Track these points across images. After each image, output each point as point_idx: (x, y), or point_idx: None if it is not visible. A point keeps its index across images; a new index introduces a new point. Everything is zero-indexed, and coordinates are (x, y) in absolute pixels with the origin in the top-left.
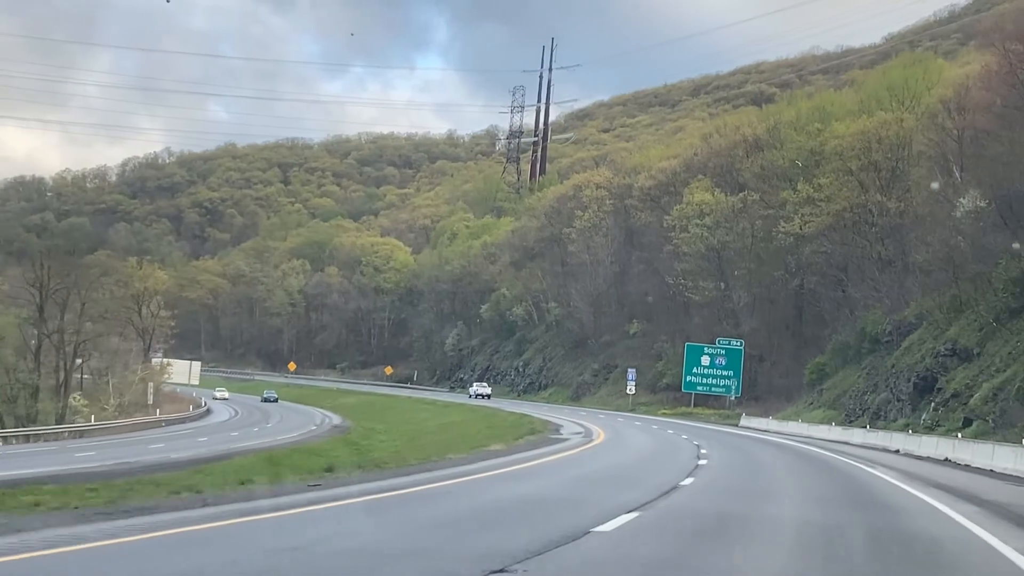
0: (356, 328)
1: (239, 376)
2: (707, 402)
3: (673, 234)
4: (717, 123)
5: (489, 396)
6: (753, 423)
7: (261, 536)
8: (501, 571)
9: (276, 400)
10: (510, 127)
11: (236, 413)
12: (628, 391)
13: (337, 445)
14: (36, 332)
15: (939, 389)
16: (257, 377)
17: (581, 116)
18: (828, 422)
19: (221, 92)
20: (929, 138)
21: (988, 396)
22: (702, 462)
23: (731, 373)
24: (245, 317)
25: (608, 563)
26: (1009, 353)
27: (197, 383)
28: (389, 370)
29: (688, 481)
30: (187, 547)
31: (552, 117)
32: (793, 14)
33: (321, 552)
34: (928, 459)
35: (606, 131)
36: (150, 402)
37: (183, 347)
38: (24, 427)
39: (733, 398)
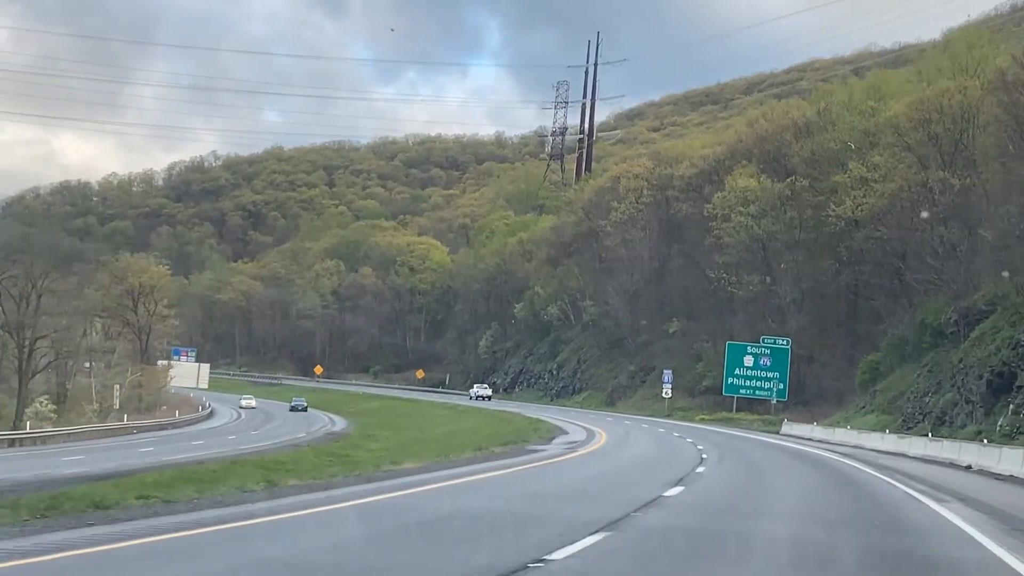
0: (391, 331)
1: (266, 381)
2: (751, 407)
3: (714, 224)
4: (764, 109)
5: (490, 398)
6: (795, 430)
7: None
8: None
9: (305, 409)
10: (553, 123)
11: (238, 416)
12: (664, 394)
13: (307, 454)
14: None
15: (1020, 387)
16: (286, 382)
17: (631, 116)
18: (882, 429)
19: (275, 96)
20: (1000, 99)
21: None
22: (672, 492)
23: (776, 375)
24: (278, 320)
25: None
26: None
27: (206, 387)
28: (421, 374)
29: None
30: None
31: (602, 117)
32: (847, 8)
33: None
34: (1012, 479)
35: (656, 130)
36: (116, 407)
37: (218, 351)
38: None
39: (775, 401)
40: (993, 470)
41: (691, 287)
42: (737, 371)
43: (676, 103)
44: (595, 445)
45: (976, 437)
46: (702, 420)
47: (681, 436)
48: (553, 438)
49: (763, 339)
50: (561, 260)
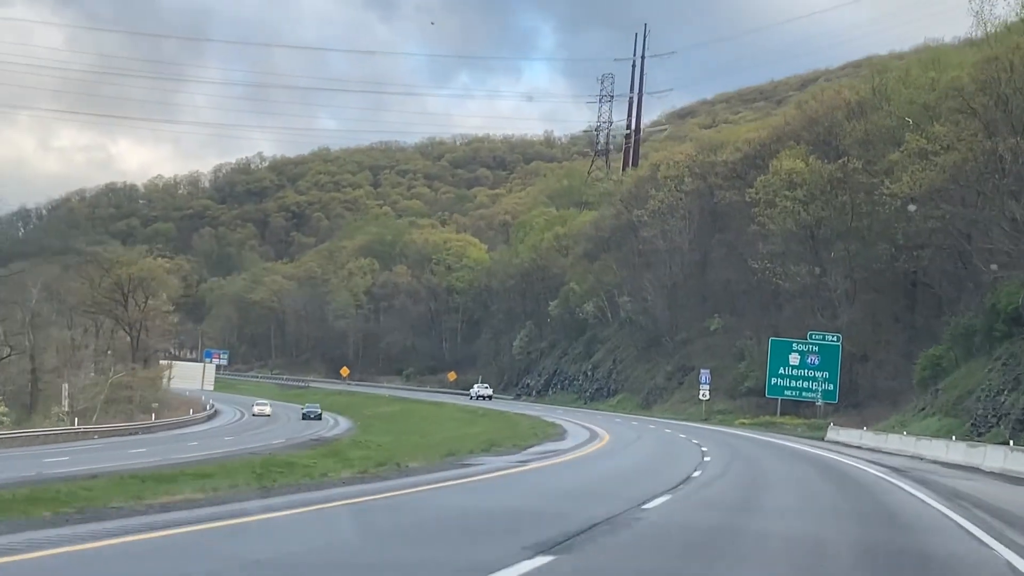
0: (425, 331)
1: (295, 384)
2: (797, 410)
3: (757, 210)
4: (814, 90)
5: (491, 397)
6: (842, 436)
7: None
8: None
9: (319, 416)
10: (598, 117)
11: (240, 416)
12: (701, 396)
13: (238, 465)
14: None
15: None
16: (314, 384)
17: (683, 114)
18: (946, 435)
19: (328, 98)
20: None
21: None
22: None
23: (826, 375)
24: (313, 321)
25: None
26: None
27: (212, 388)
28: (453, 376)
29: None
30: None
31: (653, 115)
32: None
33: None
34: None
35: (708, 127)
36: (66, 409)
37: (252, 354)
38: None
39: (821, 404)
40: None
41: (734, 280)
42: (781, 371)
43: (728, 100)
44: (597, 445)
45: None
46: (742, 424)
47: (688, 437)
48: (550, 441)
49: (810, 335)
50: (598, 255)
